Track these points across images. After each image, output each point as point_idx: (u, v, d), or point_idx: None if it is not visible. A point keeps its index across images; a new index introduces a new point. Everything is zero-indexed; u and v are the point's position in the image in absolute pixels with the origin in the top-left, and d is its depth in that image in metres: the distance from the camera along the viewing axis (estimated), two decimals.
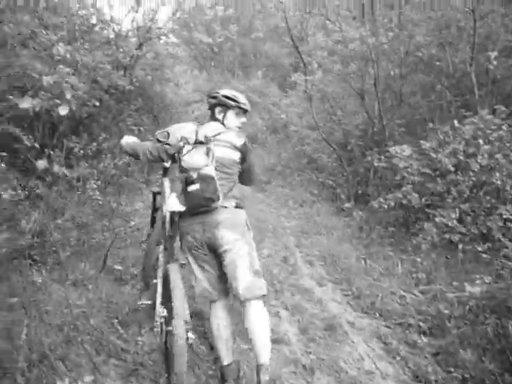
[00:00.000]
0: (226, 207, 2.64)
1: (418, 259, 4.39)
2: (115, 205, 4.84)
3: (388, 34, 5.29)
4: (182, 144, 2.55)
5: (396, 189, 5.62)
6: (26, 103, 2.11)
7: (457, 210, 4.17)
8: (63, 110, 2.22)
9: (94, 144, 5.21)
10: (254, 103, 14.89)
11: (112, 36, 4.73)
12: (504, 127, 4.63)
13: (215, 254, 2.68)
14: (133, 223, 5.10)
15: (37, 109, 2.14)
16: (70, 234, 4.07)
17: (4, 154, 2.82)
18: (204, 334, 3.33)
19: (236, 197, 2.73)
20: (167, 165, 2.89)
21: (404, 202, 4.74)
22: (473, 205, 4.27)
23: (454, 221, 4.12)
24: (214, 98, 2.83)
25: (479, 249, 3.78)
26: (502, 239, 3.87)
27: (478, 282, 3.45)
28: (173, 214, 2.74)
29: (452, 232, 4.29)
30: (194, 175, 2.49)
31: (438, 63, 5.82)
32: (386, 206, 4.89)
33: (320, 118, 7.82)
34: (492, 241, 4.00)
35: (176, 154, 2.60)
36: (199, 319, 3.45)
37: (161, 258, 2.82)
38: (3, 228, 2.92)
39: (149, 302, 2.94)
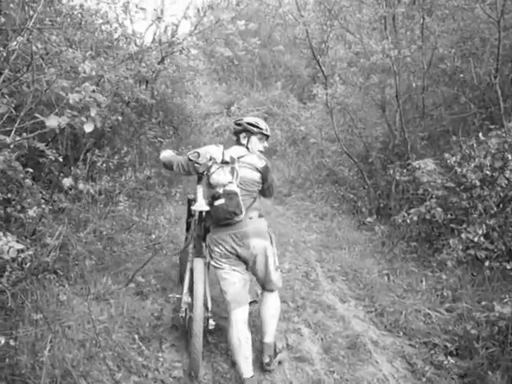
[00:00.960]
0: (251, 218, 2.99)
1: (444, 276, 4.28)
2: (137, 218, 4.86)
3: (411, 46, 5.24)
4: (210, 163, 2.91)
5: (418, 203, 5.53)
6: (52, 121, 2.13)
7: (483, 225, 4.06)
8: (88, 128, 2.23)
9: (116, 157, 5.26)
10: (274, 114, 14.94)
11: (135, 50, 4.78)
12: None
13: (244, 260, 2.99)
14: (153, 236, 5.11)
15: (62, 126, 2.15)
16: (93, 247, 4.10)
17: (30, 169, 2.87)
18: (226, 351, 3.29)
19: (257, 208, 3.09)
20: (201, 173, 3.11)
21: (427, 216, 4.64)
22: (499, 220, 4.15)
23: (481, 237, 4.01)
24: (239, 125, 3.16)
25: (508, 266, 3.67)
26: None
27: (506, 301, 3.33)
28: (201, 214, 3.30)
29: (478, 248, 4.18)
30: (220, 191, 2.82)
31: (461, 75, 5.74)
32: (408, 221, 4.79)
33: (340, 131, 7.77)
34: None
35: (205, 172, 2.96)
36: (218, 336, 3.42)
37: (190, 254, 3.33)
38: (27, 243, 2.94)
39: (177, 296, 3.35)
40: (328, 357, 3.32)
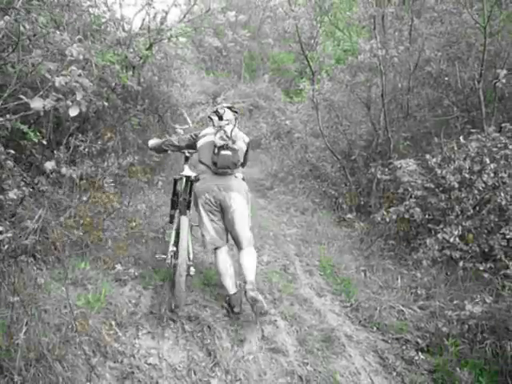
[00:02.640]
0: (236, 177, 3.72)
1: (418, 274, 4.38)
2: (118, 205, 4.82)
3: (398, 47, 5.30)
4: (225, 122, 3.74)
5: (398, 202, 5.62)
6: (37, 103, 2.11)
7: (459, 227, 4.16)
8: (74, 112, 2.22)
9: (99, 143, 5.20)
10: (260, 107, 14.95)
11: (123, 35, 4.72)
12: (510, 146, 4.63)
13: (223, 210, 3.64)
14: (134, 224, 5.08)
15: (47, 109, 2.13)
16: (72, 232, 4.07)
17: (12, 151, 2.83)
18: None
19: (242, 172, 3.82)
20: (188, 154, 4.15)
21: (406, 216, 4.73)
22: (475, 222, 4.25)
23: (457, 238, 4.11)
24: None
25: (481, 267, 3.77)
26: (504, 259, 3.86)
27: (478, 301, 3.43)
28: (187, 180, 3.99)
29: (453, 249, 4.28)
30: (229, 144, 3.59)
31: (446, 78, 5.83)
32: (387, 219, 4.88)
33: (325, 127, 7.82)
34: (493, 260, 3.99)
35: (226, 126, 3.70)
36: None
37: (176, 214, 3.96)
38: (6, 225, 2.91)
39: (163, 256, 3.84)
40: (303, 349, 3.37)
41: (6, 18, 1.97)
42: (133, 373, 2.85)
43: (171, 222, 4.35)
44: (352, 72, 6.48)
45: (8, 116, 2.15)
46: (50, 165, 3.29)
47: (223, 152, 3.58)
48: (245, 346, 3.32)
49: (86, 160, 4.45)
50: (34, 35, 2.23)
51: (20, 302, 2.67)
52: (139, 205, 5.52)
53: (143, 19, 6.35)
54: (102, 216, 4.48)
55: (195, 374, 2.97)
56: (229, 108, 3.97)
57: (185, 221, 3.71)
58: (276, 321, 3.70)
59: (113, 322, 3.23)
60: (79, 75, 2.25)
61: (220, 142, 3.60)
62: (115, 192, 5.16)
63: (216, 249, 3.73)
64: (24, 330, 2.53)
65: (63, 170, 3.59)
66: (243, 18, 4.66)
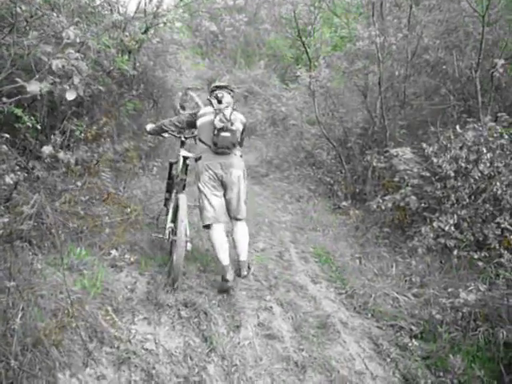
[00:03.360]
0: (235, 154, 3.97)
1: (413, 262, 4.41)
2: (113, 190, 4.80)
3: (397, 34, 5.26)
4: (224, 105, 3.94)
5: (394, 190, 5.64)
6: (33, 86, 2.07)
7: (455, 215, 4.18)
8: (71, 96, 2.18)
9: (94, 127, 5.15)
10: (255, 93, 14.84)
11: (118, 18, 4.64)
12: (506, 135, 4.64)
13: (225, 185, 3.93)
14: (129, 210, 5.06)
15: (44, 92, 2.10)
16: (67, 217, 4.05)
17: (7, 135, 2.78)
18: None
19: (240, 150, 4.09)
20: (184, 139, 4.40)
21: (402, 204, 4.75)
22: (470, 211, 4.28)
23: (452, 227, 4.13)
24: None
25: (475, 256, 3.80)
26: (498, 247, 3.90)
27: (472, 289, 3.46)
28: (185, 160, 4.21)
29: (448, 237, 4.31)
30: (228, 126, 3.81)
31: (444, 67, 5.81)
32: (383, 207, 4.89)
33: (321, 114, 7.79)
34: (487, 249, 4.02)
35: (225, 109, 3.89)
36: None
37: (173, 195, 4.20)
38: (1, 210, 2.88)
39: (160, 236, 4.12)
40: (298, 335, 3.40)
41: None
42: (129, 358, 2.85)
43: (165, 204, 4.65)
44: (350, 59, 6.44)
45: (4, 99, 2.11)
46: (47, 149, 3.25)
47: (222, 133, 3.82)
48: (241, 332, 3.33)
49: (81, 145, 4.40)
50: (31, 16, 2.18)
51: (15, 287, 2.65)
52: (134, 190, 5.50)
53: (139, 2, 6.26)
54: (97, 201, 4.45)
55: (191, 359, 2.98)
56: (225, 87, 4.22)
57: (183, 199, 3.89)
58: (272, 307, 3.72)
59: (109, 308, 3.22)
60: (76, 59, 2.21)
61: (220, 124, 3.82)
62: (111, 177, 5.14)
63: (212, 224, 3.89)
64: (20, 315, 2.52)
65: (60, 155, 3.55)
66: (240, 3, 4.55)
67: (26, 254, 3.27)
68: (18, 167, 3.39)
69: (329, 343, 3.37)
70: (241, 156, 4.06)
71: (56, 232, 3.78)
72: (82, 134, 4.42)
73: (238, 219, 4.04)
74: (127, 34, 4.82)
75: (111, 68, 5.26)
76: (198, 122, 4.07)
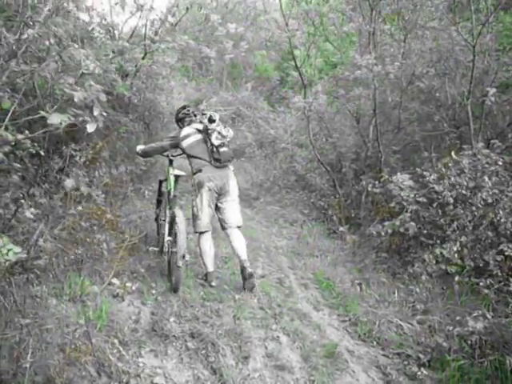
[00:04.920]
0: (230, 168, 4.44)
1: (417, 289, 4.42)
2: (112, 216, 4.72)
3: (394, 63, 5.39)
4: (215, 125, 4.32)
5: (389, 215, 5.69)
6: (54, 118, 2.04)
7: (457, 242, 4.24)
8: (91, 128, 2.16)
9: (91, 152, 5.09)
10: (243, 116, 14.92)
11: (121, 45, 4.63)
12: (499, 162, 4.76)
13: (223, 195, 4.33)
14: (126, 236, 4.98)
15: (63, 124, 2.07)
16: (66, 245, 3.96)
17: (18, 165, 2.72)
18: None
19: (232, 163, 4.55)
20: (172, 158, 4.79)
21: (401, 230, 4.79)
22: (471, 238, 4.34)
23: (455, 254, 4.18)
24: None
25: (481, 283, 3.84)
26: (499, 274, 3.95)
27: (478, 316, 3.48)
28: (177, 178, 4.63)
29: (449, 263, 4.35)
30: (226, 142, 4.30)
31: (437, 94, 5.96)
32: (382, 233, 4.92)
33: (313, 138, 7.86)
34: (489, 275, 4.07)
35: (212, 129, 4.30)
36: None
37: (167, 210, 4.42)
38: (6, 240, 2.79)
39: (156, 249, 4.53)
40: (307, 365, 3.35)
41: (30, 31, 1.90)
42: None
43: (156, 220, 5.07)
44: (345, 85, 6.55)
45: (27, 132, 2.07)
46: (70, 183, 3.19)
47: (222, 149, 4.28)
48: (250, 364, 3.27)
49: (78, 170, 4.34)
50: (60, 53, 2.15)
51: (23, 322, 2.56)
52: (130, 215, 5.42)
53: (135, 27, 6.29)
54: (97, 228, 4.37)
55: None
56: (189, 106, 4.89)
57: (180, 213, 4.17)
58: (279, 337, 3.66)
59: (115, 341, 3.13)
60: (97, 91, 2.19)
61: (217, 142, 4.26)
62: (107, 203, 5.06)
63: (204, 232, 4.31)
64: (30, 352, 2.43)
65: (82, 189, 3.49)
66: (241, 31, 4.66)
67: (29, 285, 3.18)
68: (21, 195, 3.31)
69: (338, 373, 3.33)
70: (233, 170, 4.53)
71: (56, 260, 3.70)
72: (82, 159, 4.36)
73: (234, 227, 4.40)
74: (127, 58, 4.82)
75: (108, 92, 5.23)
76: (184, 144, 4.44)
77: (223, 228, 4.46)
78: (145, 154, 4.88)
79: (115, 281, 3.95)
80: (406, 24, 5.58)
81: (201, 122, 4.49)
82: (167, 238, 4.28)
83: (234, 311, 3.90)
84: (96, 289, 3.65)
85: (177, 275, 3.96)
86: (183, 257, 3.94)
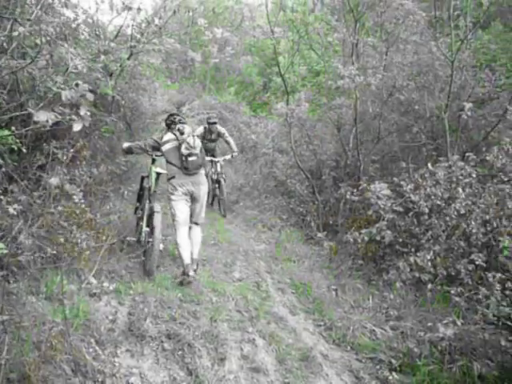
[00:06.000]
0: (201, 174, 4.88)
1: (391, 295, 4.52)
2: (92, 216, 4.70)
3: (376, 75, 5.53)
4: (186, 136, 4.74)
5: (366, 223, 5.81)
6: (41, 116, 2.05)
7: (431, 251, 4.36)
8: (77, 127, 2.17)
9: (72, 150, 5.05)
10: (225, 119, 14.92)
11: (106, 45, 4.63)
12: (473, 175, 4.92)
13: (194, 198, 4.81)
14: (104, 237, 4.95)
15: (51, 123, 2.08)
16: (45, 243, 3.92)
17: (1, 160, 2.70)
18: None
19: (204, 169, 4.99)
20: (155, 157, 5.17)
21: (378, 238, 4.89)
22: (444, 247, 4.47)
23: (429, 262, 4.30)
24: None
25: (449, 290, 3.96)
26: (470, 283, 4.08)
27: (448, 323, 3.59)
28: (158, 175, 5.09)
29: (422, 271, 4.47)
30: (194, 152, 4.70)
31: (416, 107, 6.13)
32: (359, 240, 5.02)
33: (295, 145, 7.93)
34: (460, 284, 4.20)
35: (182, 140, 4.73)
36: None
37: (146, 204, 4.93)
38: None
39: (133, 239, 4.89)
40: (282, 368, 3.41)
41: (21, 29, 1.90)
42: None
43: (136, 212, 5.43)
44: (330, 95, 6.66)
45: (13, 129, 2.06)
46: (54, 181, 3.17)
47: (190, 158, 4.70)
48: (225, 365, 3.31)
49: (63, 168, 4.31)
50: (51, 52, 2.15)
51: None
52: (111, 215, 5.39)
53: (120, 26, 6.27)
54: (76, 227, 4.34)
55: None
56: (177, 115, 5.14)
57: (158, 208, 4.67)
58: (254, 339, 3.71)
59: (92, 340, 3.14)
60: (85, 90, 2.22)
61: (186, 152, 4.67)
62: (87, 202, 5.02)
63: (181, 227, 4.70)
64: (6, 349, 2.42)
65: (66, 187, 3.46)
66: (227, 36, 4.71)
67: (6, 282, 3.15)
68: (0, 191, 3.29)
69: (312, 376, 3.39)
70: (205, 174, 5.02)
71: (33, 259, 3.67)
72: (65, 157, 4.33)
73: (197, 224, 4.92)
74: (112, 58, 4.81)
75: (91, 90, 5.20)
76: (163, 148, 4.87)
77: (190, 223, 4.89)
78: (129, 151, 5.16)
79: (93, 280, 3.95)
80: (388, 37, 5.75)
81: (171, 131, 4.95)
82: (145, 229, 4.74)
83: (211, 313, 3.94)
84: (73, 287, 3.64)
85: (151, 261, 4.43)
86: (159, 245, 4.49)
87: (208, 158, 7.54)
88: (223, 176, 7.91)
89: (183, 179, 4.73)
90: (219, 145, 9.07)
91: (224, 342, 3.57)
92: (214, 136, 8.22)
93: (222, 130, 8.32)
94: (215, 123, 8.10)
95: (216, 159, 8.03)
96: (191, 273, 4.46)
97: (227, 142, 8.31)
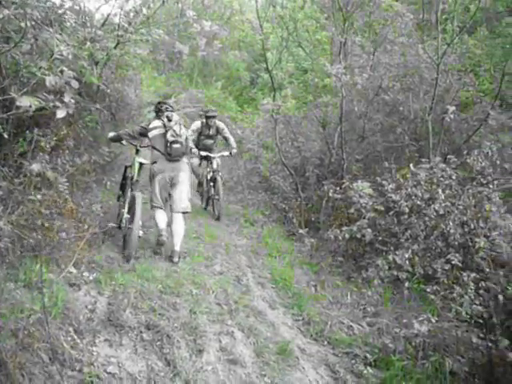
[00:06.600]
0: (183, 161, 5.11)
1: (369, 292, 4.60)
2: (74, 206, 4.67)
3: (363, 74, 5.59)
4: (173, 123, 4.98)
5: (347, 221, 5.88)
6: (24, 101, 2.04)
7: (409, 250, 4.44)
8: (61, 113, 2.16)
9: (54, 138, 5.00)
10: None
11: (92, 31, 4.57)
12: (454, 177, 5.01)
13: (173, 184, 5.03)
14: (86, 225, 4.93)
15: (33, 108, 2.07)
16: (24, 231, 3.88)
17: None
18: None
19: (187, 157, 5.31)
20: (139, 148, 5.41)
21: (358, 235, 4.96)
22: (422, 247, 4.56)
23: (407, 261, 4.38)
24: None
25: (428, 289, 4.05)
26: (446, 282, 4.17)
27: (423, 320, 3.67)
28: (141, 165, 5.26)
29: (400, 270, 4.55)
30: (179, 139, 4.93)
31: (401, 108, 6.21)
32: (340, 238, 5.09)
33: (280, 141, 7.97)
34: (436, 282, 4.29)
35: (168, 127, 4.97)
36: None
37: (128, 192, 5.04)
38: None
39: (114, 225, 4.80)
40: (260, 361, 3.45)
41: (5, 11, 1.88)
42: (92, 382, 2.78)
43: (118, 200, 5.54)
44: (316, 93, 6.71)
45: None
46: (36, 167, 3.13)
47: (174, 145, 4.90)
48: (203, 357, 3.34)
49: (45, 156, 4.26)
50: (36, 36, 2.12)
51: None
52: (93, 205, 5.35)
53: (108, 14, 6.21)
54: (57, 216, 4.31)
55: (155, 383, 2.95)
56: (164, 103, 5.30)
57: (139, 196, 4.83)
58: (233, 332, 3.74)
59: (70, 329, 3.13)
60: (69, 76, 2.21)
61: (171, 139, 4.89)
62: (69, 191, 4.98)
63: (158, 208, 5.06)
64: None
65: (49, 174, 3.42)
66: (216, 29, 4.65)
67: None
68: None
69: (289, 369, 3.44)
70: (187, 163, 5.24)
71: (12, 246, 3.63)
72: (48, 145, 4.29)
73: (178, 212, 5.04)
74: (98, 46, 4.76)
75: (76, 79, 5.15)
76: (150, 134, 5.07)
77: (172, 211, 5.10)
78: (117, 138, 5.37)
79: (73, 270, 3.93)
80: (376, 37, 5.81)
81: (159, 118, 5.13)
82: (126, 216, 4.88)
83: (190, 305, 3.95)
84: (52, 276, 3.62)
85: (130, 246, 4.58)
86: (138, 232, 4.65)
87: (203, 154, 7.28)
88: (220, 174, 7.22)
89: (165, 165, 4.97)
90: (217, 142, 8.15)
91: (203, 333, 3.59)
92: (212, 131, 7.49)
93: (221, 125, 7.60)
94: (214, 117, 7.39)
95: (212, 155, 7.31)
96: (164, 234, 4.89)
97: (226, 139, 7.62)
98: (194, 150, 7.09)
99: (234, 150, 7.59)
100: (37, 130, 4.62)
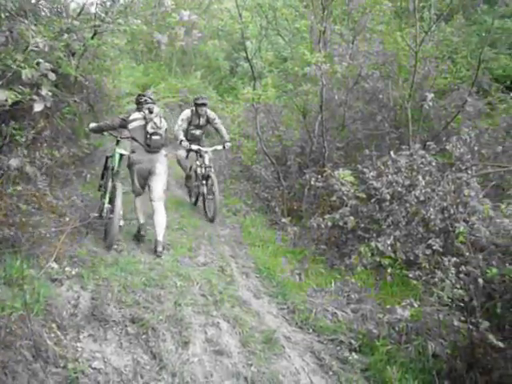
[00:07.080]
0: (161, 153, 5.25)
1: (353, 279, 4.65)
2: (54, 200, 4.59)
3: (342, 63, 5.60)
4: (154, 115, 5.14)
5: (330, 208, 5.92)
6: (0, 95, 1.98)
7: (391, 236, 4.50)
8: (38, 107, 2.11)
9: (32, 131, 4.90)
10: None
11: (68, 22, 4.46)
12: (433, 163, 5.08)
13: (150, 174, 5.16)
14: (67, 219, 4.86)
15: (9, 102, 2.02)
16: (2, 227, 3.81)
17: None
18: None
19: (165, 149, 5.42)
20: (119, 139, 5.47)
21: (340, 223, 5.00)
22: (404, 233, 4.63)
23: (389, 247, 4.44)
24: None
25: (410, 275, 4.11)
26: (428, 267, 4.25)
27: (406, 305, 3.73)
28: (121, 156, 5.30)
29: (382, 256, 4.61)
30: (159, 131, 5.12)
31: (380, 96, 6.25)
32: (323, 226, 5.12)
33: (261, 130, 7.96)
34: (418, 268, 4.36)
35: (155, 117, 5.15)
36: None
37: (109, 183, 5.13)
38: None
39: (96, 215, 4.85)
40: (246, 350, 3.46)
41: None
42: (77, 378, 2.76)
43: (99, 189, 5.66)
44: (296, 81, 6.70)
45: None
46: (14, 162, 3.06)
47: (154, 137, 5.08)
48: (189, 349, 3.34)
49: (21, 150, 4.17)
50: (10, 29, 2.05)
51: None
52: (72, 199, 5.28)
53: (83, 4, 6.07)
54: (36, 211, 4.23)
55: (142, 377, 2.94)
56: (144, 96, 5.40)
57: (120, 186, 4.95)
58: (219, 323, 3.75)
59: (53, 325, 3.09)
60: (46, 69, 2.15)
61: (151, 130, 5.06)
62: (48, 185, 4.90)
63: (137, 195, 5.36)
64: None
65: (27, 169, 3.35)
66: (195, 18, 4.58)
67: None
68: None
69: (275, 358, 3.46)
70: (165, 155, 5.36)
71: None
72: (24, 139, 4.19)
73: (156, 200, 5.17)
74: (75, 37, 4.65)
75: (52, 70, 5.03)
76: (130, 126, 5.18)
77: (151, 200, 5.23)
78: (98, 129, 5.47)
79: (54, 265, 3.88)
80: (355, 26, 5.82)
81: (140, 110, 5.22)
82: (107, 206, 4.99)
83: (175, 297, 3.95)
84: (33, 272, 3.57)
85: (111, 235, 4.73)
86: (119, 221, 4.77)
87: (195, 147, 6.72)
88: (212, 170, 6.58)
89: (143, 156, 5.11)
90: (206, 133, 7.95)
91: (188, 325, 3.59)
92: (202, 121, 7.02)
93: (212, 114, 7.11)
94: (204, 105, 6.87)
95: (204, 149, 6.72)
96: (143, 230, 5.27)
97: (217, 130, 7.13)
98: (185, 144, 6.66)
99: (228, 144, 7.03)
100: (13, 123, 4.53)
